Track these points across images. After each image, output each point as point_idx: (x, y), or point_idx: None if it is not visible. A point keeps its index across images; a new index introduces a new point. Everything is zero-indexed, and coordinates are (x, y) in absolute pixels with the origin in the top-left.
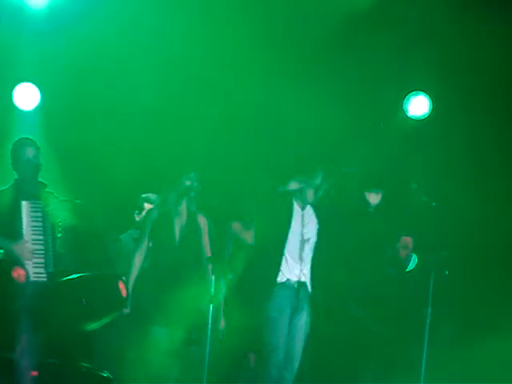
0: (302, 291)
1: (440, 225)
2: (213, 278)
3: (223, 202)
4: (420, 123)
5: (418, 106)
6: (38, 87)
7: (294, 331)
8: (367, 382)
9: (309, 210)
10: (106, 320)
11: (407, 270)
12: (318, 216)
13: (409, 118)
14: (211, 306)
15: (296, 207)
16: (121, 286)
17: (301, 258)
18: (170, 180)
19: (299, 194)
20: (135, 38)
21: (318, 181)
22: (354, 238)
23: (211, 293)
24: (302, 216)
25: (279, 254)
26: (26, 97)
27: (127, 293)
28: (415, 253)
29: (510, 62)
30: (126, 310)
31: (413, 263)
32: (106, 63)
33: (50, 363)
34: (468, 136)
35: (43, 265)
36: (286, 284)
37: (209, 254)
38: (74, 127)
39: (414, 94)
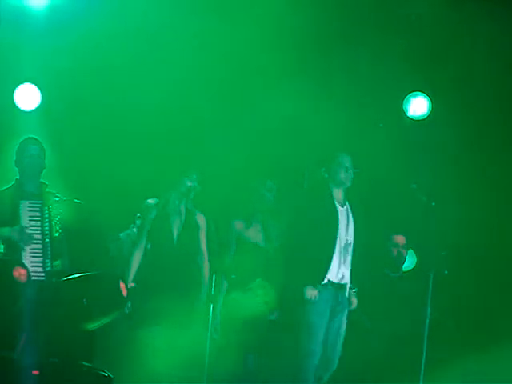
0: (342, 293)
1: (439, 224)
2: (213, 277)
3: (223, 201)
4: (419, 123)
5: (418, 106)
6: (39, 88)
7: (333, 332)
8: (367, 382)
9: (347, 207)
10: (106, 319)
11: (406, 269)
12: (353, 214)
13: (408, 118)
14: (211, 305)
15: (336, 205)
16: (121, 285)
17: (344, 261)
18: (172, 180)
19: (333, 179)
20: (136, 38)
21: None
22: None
23: (211, 292)
24: (343, 214)
25: (316, 255)
26: (27, 97)
27: (127, 292)
28: (414, 252)
29: (511, 62)
30: (128, 309)
31: (412, 263)
32: (107, 63)
33: (51, 362)
34: (467, 136)
35: (42, 264)
36: (329, 287)
37: (205, 253)
38: (74, 128)
39: (413, 95)
